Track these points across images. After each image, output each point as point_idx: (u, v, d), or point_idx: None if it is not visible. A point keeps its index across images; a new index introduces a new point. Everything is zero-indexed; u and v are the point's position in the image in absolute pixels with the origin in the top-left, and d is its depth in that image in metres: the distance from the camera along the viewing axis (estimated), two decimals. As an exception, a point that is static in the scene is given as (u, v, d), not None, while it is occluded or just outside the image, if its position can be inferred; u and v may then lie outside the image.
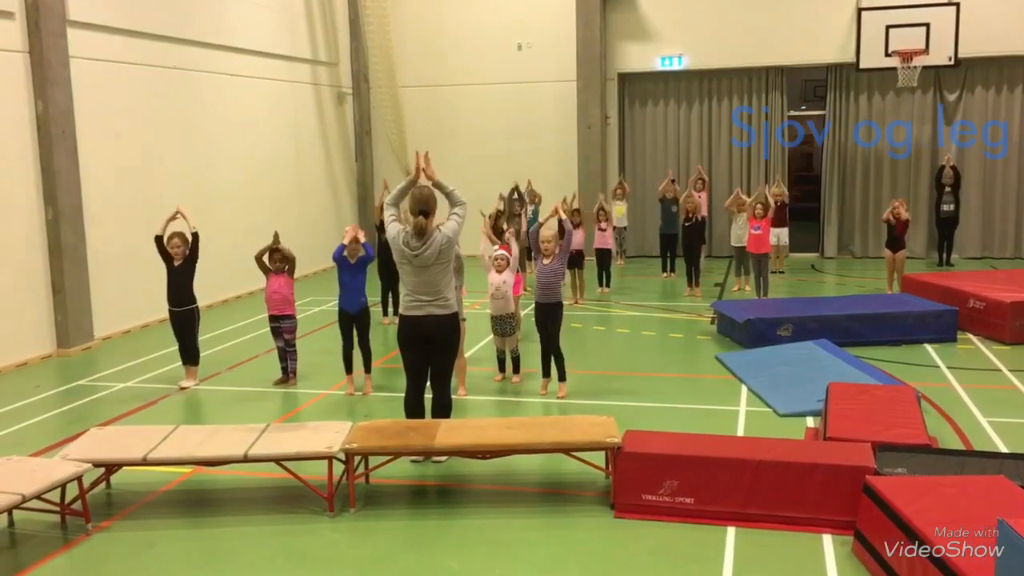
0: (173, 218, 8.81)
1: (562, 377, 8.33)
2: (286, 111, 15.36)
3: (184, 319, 8.89)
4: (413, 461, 6.58)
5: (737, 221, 12.77)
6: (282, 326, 8.90)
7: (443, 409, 6.73)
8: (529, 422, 6.85)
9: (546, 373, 8.42)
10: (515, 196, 15.21)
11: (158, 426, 6.66)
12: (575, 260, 12.58)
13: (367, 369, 8.68)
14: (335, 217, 17.19)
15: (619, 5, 16.73)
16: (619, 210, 15.30)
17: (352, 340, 8.64)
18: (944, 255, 15.25)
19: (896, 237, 12.14)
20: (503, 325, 8.58)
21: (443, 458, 6.56)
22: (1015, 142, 15.93)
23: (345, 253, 8.43)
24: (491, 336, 9.00)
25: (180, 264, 8.77)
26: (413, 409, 6.72)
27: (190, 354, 9.01)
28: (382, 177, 17.77)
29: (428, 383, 6.73)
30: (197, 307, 8.95)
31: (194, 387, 8.93)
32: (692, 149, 17.16)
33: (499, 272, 8.43)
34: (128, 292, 11.44)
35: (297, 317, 9.10)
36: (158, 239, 8.79)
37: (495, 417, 7.68)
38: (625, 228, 15.79)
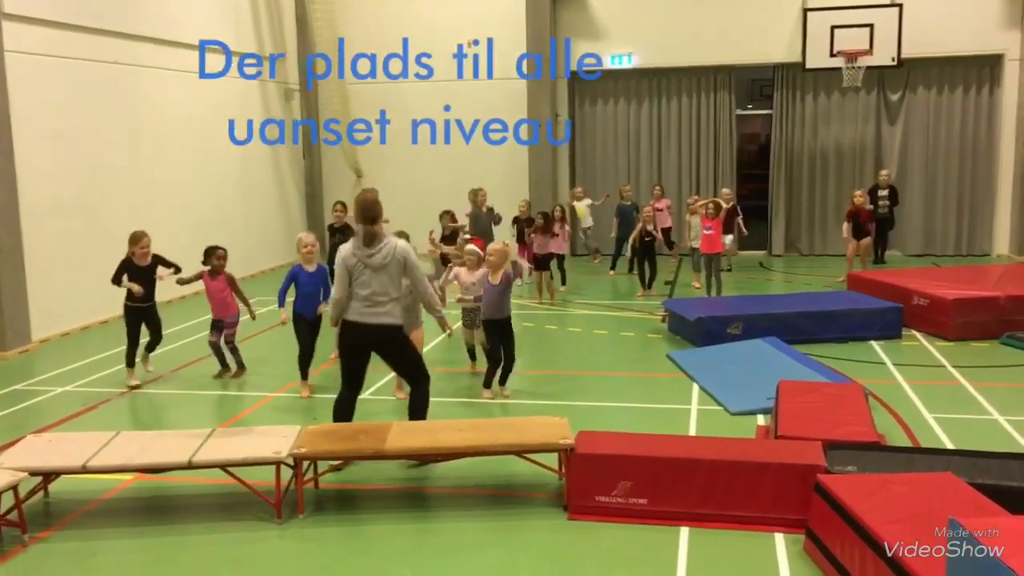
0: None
1: (503, 381, 8.27)
2: (232, 107, 15.07)
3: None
4: (335, 468, 6.33)
5: (692, 223, 12.86)
6: (225, 322, 9.01)
7: (417, 408, 6.64)
8: (482, 424, 6.78)
9: (490, 384, 8.26)
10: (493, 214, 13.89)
11: (98, 432, 6.46)
12: (542, 262, 12.70)
13: None
14: (282, 215, 16.93)
15: (569, 4, 16.72)
16: (580, 211, 15.19)
17: (309, 344, 8.47)
18: (879, 252, 15.47)
19: (859, 225, 12.98)
20: (471, 316, 8.51)
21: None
22: (955, 142, 16.26)
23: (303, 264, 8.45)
24: (443, 336, 8.86)
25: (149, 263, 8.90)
26: (341, 413, 6.57)
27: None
28: (329, 174, 17.71)
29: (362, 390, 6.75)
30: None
31: (137, 390, 8.76)
32: (642, 147, 17.22)
33: (470, 270, 8.33)
34: (67, 294, 11.11)
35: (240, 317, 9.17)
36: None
37: (448, 420, 7.58)
38: (591, 227, 15.37)
